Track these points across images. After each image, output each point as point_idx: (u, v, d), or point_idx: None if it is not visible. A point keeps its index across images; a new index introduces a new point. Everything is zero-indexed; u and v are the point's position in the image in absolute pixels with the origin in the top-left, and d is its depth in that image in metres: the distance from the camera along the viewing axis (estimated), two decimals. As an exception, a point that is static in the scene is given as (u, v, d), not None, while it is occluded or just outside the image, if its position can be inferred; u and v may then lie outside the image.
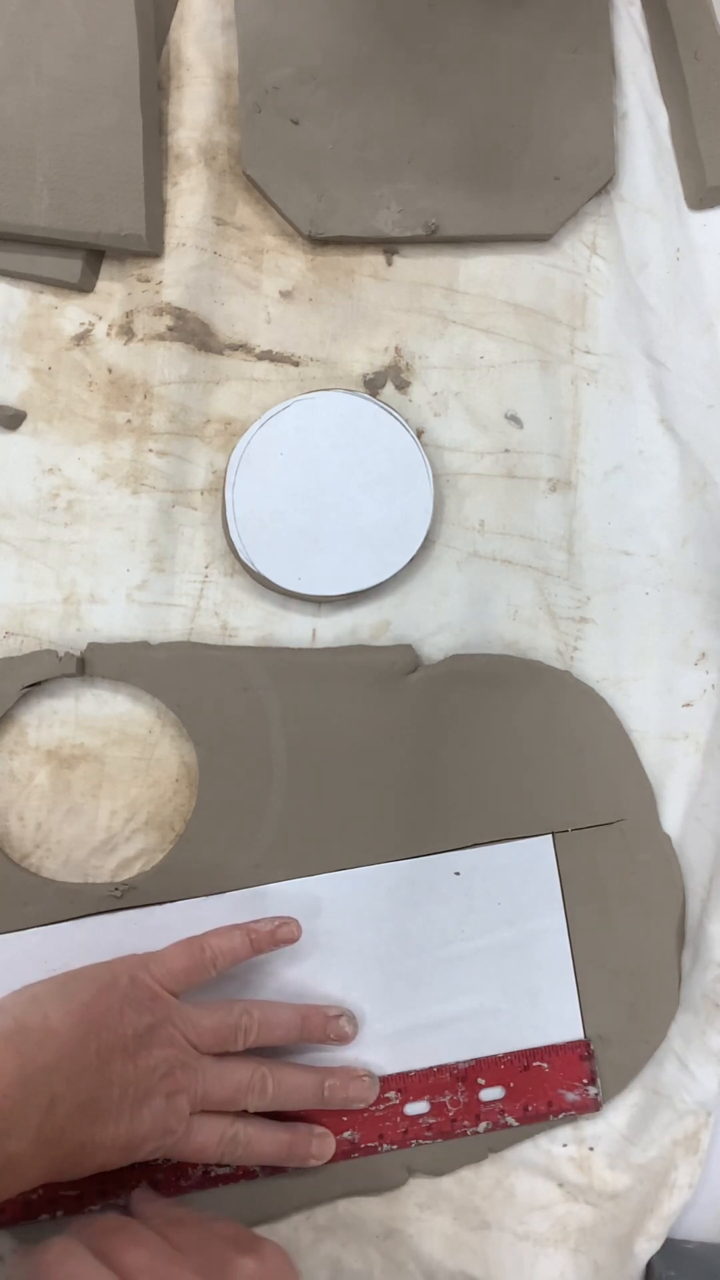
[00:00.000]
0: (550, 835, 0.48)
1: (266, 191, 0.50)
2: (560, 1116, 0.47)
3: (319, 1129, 0.45)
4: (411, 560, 0.49)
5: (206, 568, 0.50)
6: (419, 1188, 0.47)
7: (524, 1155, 0.47)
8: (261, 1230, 0.45)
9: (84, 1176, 0.39)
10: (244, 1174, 0.45)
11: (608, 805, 0.49)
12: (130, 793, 0.48)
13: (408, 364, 0.51)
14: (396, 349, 0.51)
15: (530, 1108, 0.47)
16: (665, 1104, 0.48)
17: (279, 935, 0.44)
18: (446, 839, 0.48)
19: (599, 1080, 0.47)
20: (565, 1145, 0.47)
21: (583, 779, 0.49)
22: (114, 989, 0.40)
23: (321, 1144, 0.45)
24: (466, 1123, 0.46)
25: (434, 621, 0.51)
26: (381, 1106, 0.46)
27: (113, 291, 0.50)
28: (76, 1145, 0.37)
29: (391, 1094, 0.46)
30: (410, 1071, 0.46)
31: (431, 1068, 0.47)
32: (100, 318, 0.50)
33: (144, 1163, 0.42)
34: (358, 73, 0.50)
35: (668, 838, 0.49)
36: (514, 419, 0.52)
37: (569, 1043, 0.47)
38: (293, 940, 0.44)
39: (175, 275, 0.50)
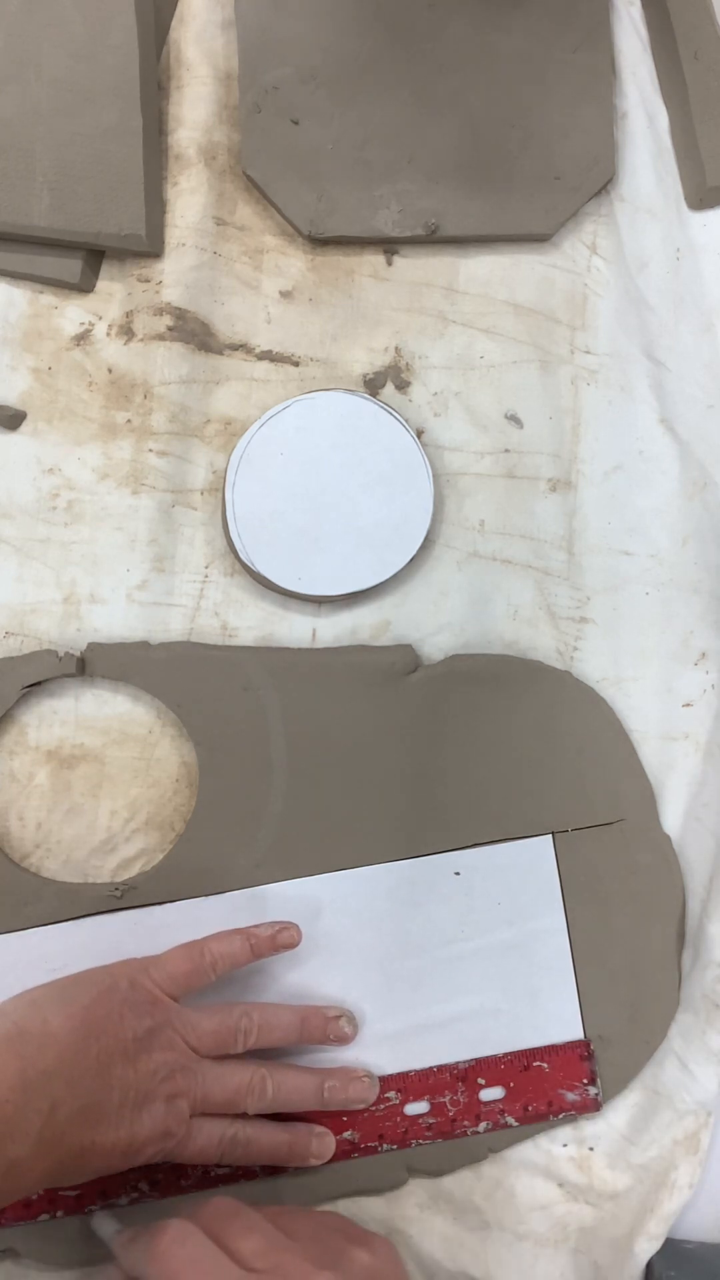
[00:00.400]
0: (550, 835, 0.48)
1: (266, 191, 0.50)
2: (560, 1116, 0.47)
3: (319, 1129, 0.45)
4: (411, 560, 0.49)
5: (206, 568, 0.50)
6: (419, 1188, 0.47)
7: (524, 1155, 0.47)
8: (262, 1230, 0.46)
9: (85, 1181, 0.39)
10: (244, 1174, 0.45)
11: (608, 805, 0.49)
12: (130, 793, 0.48)
13: (408, 364, 0.51)
14: (396, 349, 0.51)
15: (530, 1108, 0.47)
16: (665, 1104, 0.48)
17: (279, 940, 0.44)
18: (446, 839, 0.48)
19: (599, 1080, 0.47)
20: (565, 1145, 0.47)
21: (583, 779, 0.49)
22: (114, 993, 0.40)
23: (321, 1143, 0.45)
24: (466, 1123, 0.46)
25: (434, 621, 0.51)
26: (381, 1106, 0.46)
27: (113, 291, 0.50)
28: (77, 1149, 0.37)
29: (391, 1094, 0.46)
30: (410, 1071, 0.46)
31: (431, 1068, 0.47)
32: (100, 318, 0.50)
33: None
34: (358, 73, 0.50)
35: (668, 838, 0.49)
36: (514, 419, 0.52)
37: (569, 1043, 0.47)
38: (293, 945, 0.44)
39: (175, 275, 0.50)
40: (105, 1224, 0.43)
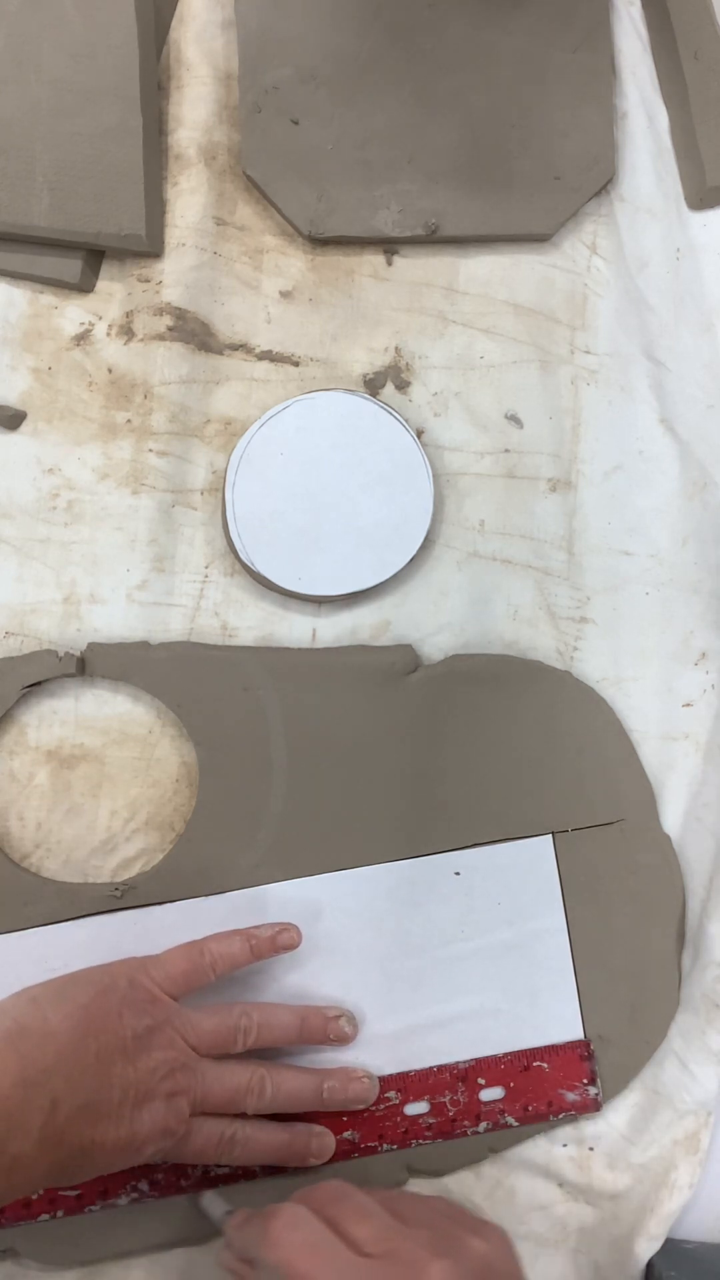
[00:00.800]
0: (550, 835, 0.48)
1: (266, 191, 0.50)
2: (560, 1116, 0.47)
3: (318, 1128, 0.45)
4: (411, 560, 0.49)
5: (206, 568, 0.50)
6: (419, 1188, 0.47)
7: (524, 1155, 0.47)
8: (261, 1230, 0.46)
9: (86, 1180, 0.39)
10: (244, 1174, 0.45)
11: (608, 805, 0.49)
12: (130, 793, 0.48)
13: (408, 364, 0.51)
14: (396, 349, 0.51)
15: (530, 1108, 0.47)
16: (665, 1104, 0.48)
17: (279, 941, 0.44)
18: (446, 839, 0.48)
19: (599, 1080, 0.47)
20: (565, 1145, 0.47)
21: (583, 779, 0.49)
22: (113, 991, 0.40)
23: (321, 1143, 0.45)
24: (466, 1123, 0.46)
25: (434, 621, 0.51)
26: (381, 1106, 0.46)
27: (113, 291, 0.50)
28: (78, 1147, 0.37)
29: (391, 1094, 0.46)
30: (410, 1071, 0.46)
31: (431, 1068, 0.47)
32: (100, 318, 0.50)
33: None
34: (358, 73, 0.50)
35: (668, 838, 0.49)
36: (514, 419, 0.52)
37: (569, 1043, 0.47)
38: (293, 947, 0.44)
39: (175, 275, 0.50)
40: (215, 1204, 0.43)
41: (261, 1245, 0.36)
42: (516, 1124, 0.47)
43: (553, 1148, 0.47)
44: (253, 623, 0.50)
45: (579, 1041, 0.47)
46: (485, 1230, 0.37)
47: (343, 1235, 0.36)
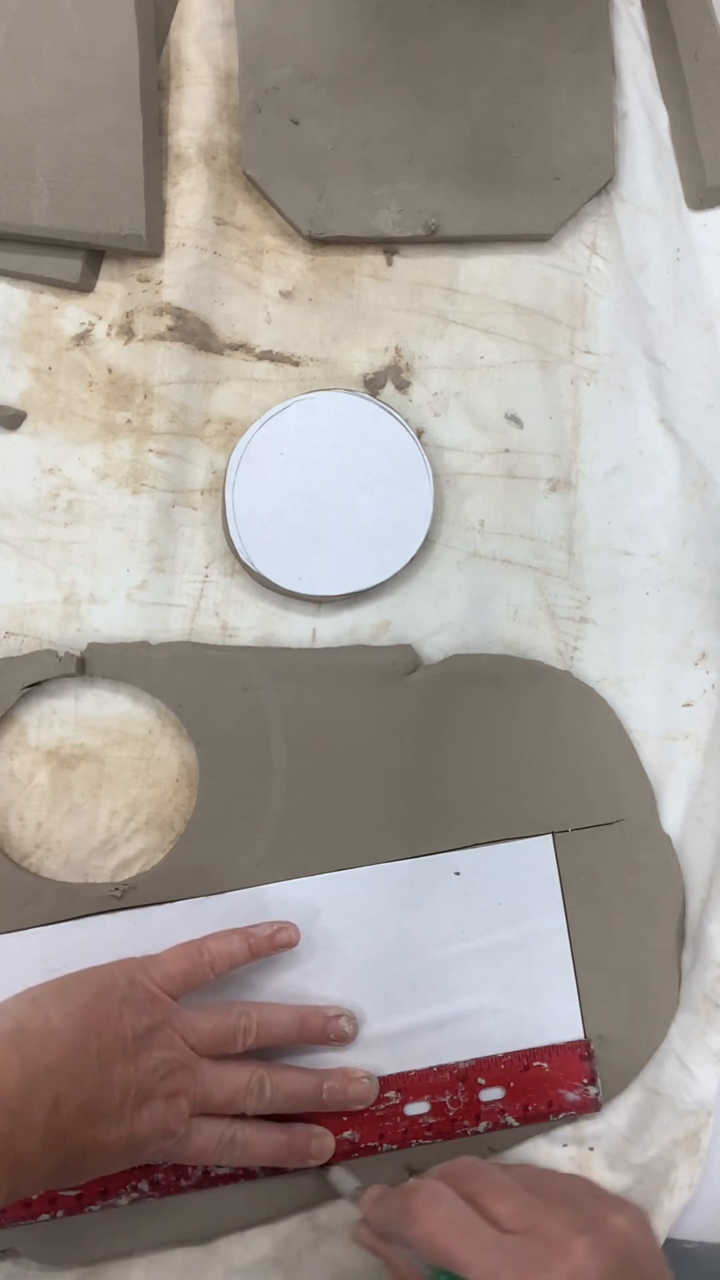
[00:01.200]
0: (550, 835, 0.48)
1: (266, 191, 0.50)
2: (560, 1116, 0.47)
3: (317, 1129, 0.45)
4: (411, 560, 0.49)
5: (206, 568, 0.50)
6: (419, 1188, 0.47)
7: (524, 1155, 0.47)
8: (261, 1230, 0.46)
9: (87, 1180, 0.39)
10: (244, 1174, 0.45)
11: (608, 805, 0.49)
12: (130, 793, 0.48)
13: (408, 364, 0.51)
14: (396, 349, 0.51)
15: (530, 1108, 0.47)
16: (665, 1104, 0.48)
17: (277, 940, 0.44)
18: (446, 839, 0.48)
19: (599, 1080, 0.47)
20: (565, 1145, 0.47)
21: (583, 779, 0.49)
22: (113, 991, 0.40)
23: (320, 1144, 0.45)
24: (466, 1123, 0.46)
25: (434, 621, 0.51)
26: (381, 1107, 0.46)
27: (113, 291, 0.50)
28: (79, 1147, 0.37)
29: (391, 1094, 0.46)
30: (410, 1071, 0.46)
31: (431, 1068, 0.47)
32: (100, 318, 0.50)
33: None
34: (358, 73, 0.50)
35: (668, 838, 0.49)
36: (514, 419, 0.52)
37: (569, 1043, 0.47)
38: (291, 945, 0.44)
39: (175, 275, 0.50)
40: (345, 1180, 0.44)
41: (403, 1221, 0.36)
42: (516, 1124, 0.47)
43: (553, 1148, 0.47)
44: (253, 623, 0.50)
45: (579, 1041, 0.47)
46: (625, 1208, 0.37)
47: (483, 1211, 0.35)
